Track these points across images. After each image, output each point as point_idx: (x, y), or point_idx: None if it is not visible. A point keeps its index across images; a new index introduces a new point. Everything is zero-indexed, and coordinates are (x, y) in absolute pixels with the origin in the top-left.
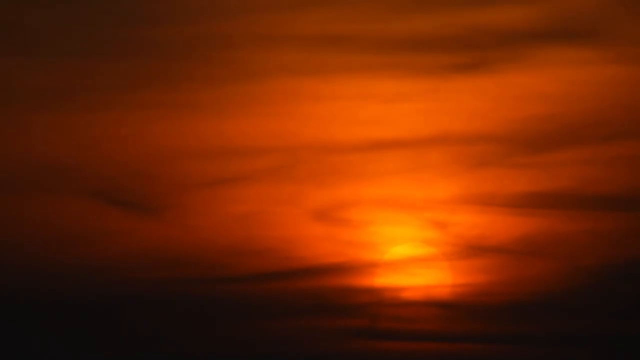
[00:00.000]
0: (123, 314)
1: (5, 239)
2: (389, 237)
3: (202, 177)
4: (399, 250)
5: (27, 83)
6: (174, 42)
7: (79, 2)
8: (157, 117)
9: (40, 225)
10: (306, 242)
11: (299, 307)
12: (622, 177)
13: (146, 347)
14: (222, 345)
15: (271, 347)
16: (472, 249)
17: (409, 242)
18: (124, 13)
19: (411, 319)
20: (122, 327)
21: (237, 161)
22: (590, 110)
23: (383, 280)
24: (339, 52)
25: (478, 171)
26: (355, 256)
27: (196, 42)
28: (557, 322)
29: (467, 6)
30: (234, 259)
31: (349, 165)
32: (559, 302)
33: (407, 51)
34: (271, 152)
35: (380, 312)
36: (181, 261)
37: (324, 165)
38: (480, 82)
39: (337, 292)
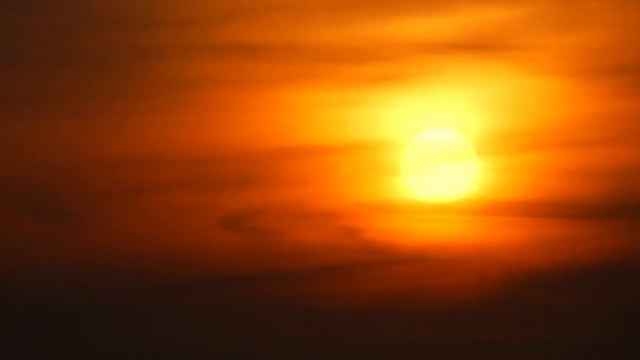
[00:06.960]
0: (40, 323)
1: None
2: (302, 245)
3: (119, 186)
4: (313, 258)
5: None
6: (95, 52)
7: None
8: (76, 127)
9: None
10: (219, 251)
11: (217, 315)
12: (533, 184)
13: (64, 355)
14: (139, 353)
15: (190, 356)
16: (386, 257)
17: (321, 249)
18: (46, 22)
19: (330, 325)
20: (39, 336)
21: (152, 170)
22: (502, 120)
23: (299, 288)
24: (254, 63)
25: (389, 178)
26: (269, 265)
27: (116, 53)
28: (473, 328)
29: (379, 18)
30: (150, 269)
31: (259, 172)
32: (472, 309)
33: (321, 63)
34: (186, 161)
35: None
36: (98, 270)
37: (235, 172)
38: (393, 93)
39: (253, 300)
